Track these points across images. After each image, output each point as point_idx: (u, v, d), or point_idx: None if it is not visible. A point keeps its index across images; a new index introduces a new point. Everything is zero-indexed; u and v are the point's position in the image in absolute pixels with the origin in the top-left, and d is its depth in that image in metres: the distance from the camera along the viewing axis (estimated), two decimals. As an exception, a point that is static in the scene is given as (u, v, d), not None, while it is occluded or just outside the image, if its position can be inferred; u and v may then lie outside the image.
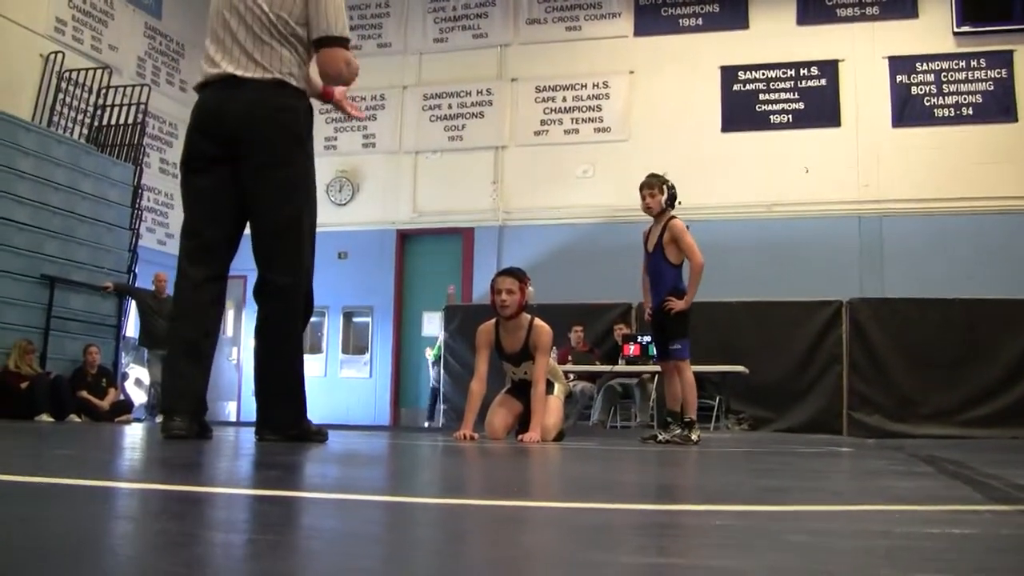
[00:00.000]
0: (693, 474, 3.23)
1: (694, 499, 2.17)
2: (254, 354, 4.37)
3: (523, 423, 6.52)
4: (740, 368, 11.29)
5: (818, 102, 14.03)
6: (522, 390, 6.54)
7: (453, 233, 15.31)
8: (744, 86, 14.34)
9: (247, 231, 4.41)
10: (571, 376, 12.15)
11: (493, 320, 6.49)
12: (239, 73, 4.15)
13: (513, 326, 6.38)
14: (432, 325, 14.97)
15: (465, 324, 13.33)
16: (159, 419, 4.23)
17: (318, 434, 4.35)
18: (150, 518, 1.44)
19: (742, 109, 14.29)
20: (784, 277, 13.39)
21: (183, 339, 4.06)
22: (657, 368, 11.50)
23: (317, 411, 4.34)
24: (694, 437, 6.41)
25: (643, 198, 6.80)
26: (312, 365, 15.67)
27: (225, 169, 4.18)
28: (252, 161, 4.17)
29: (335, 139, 16.02)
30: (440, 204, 15.39)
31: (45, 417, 10.27)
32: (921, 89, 13.76)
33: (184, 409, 3.94)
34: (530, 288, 6.42)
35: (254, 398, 4.42)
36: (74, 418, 10.60)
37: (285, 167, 4.25)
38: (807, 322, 12.29)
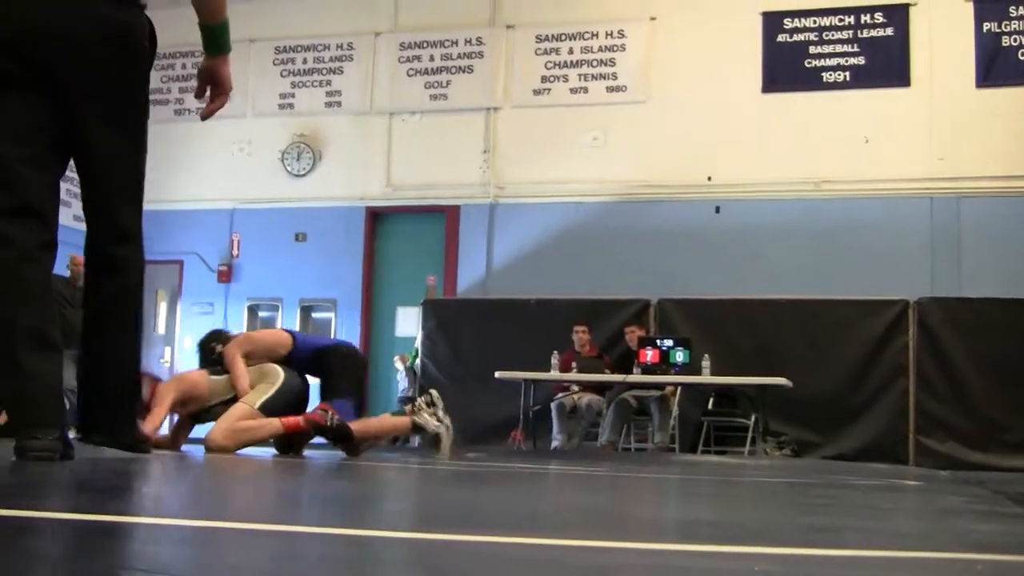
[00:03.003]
0: (723, 509, 3.21)
1: (724, 539, 2.14)
2: (84, 343, 4.11)
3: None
4: (781, 380, 11.26)
5: (883, 56, 13.98)
6: None
7: (434, 212, 15.28)
8: (791, 36, 14.30)
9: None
10: (576, 388, 12.16)
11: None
12: None
13: None
14: (408, 323, 14.94)
15: (449, 322, 13.31)
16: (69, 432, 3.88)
17: (143, 444, 4.23)
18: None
19: (788, 64, 14.25)
20: (837, 270, 13.38)
21: (25, 328, 3.64)
22: (681, 379, 11.57)
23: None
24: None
25: None
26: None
27: (34, 96, 3.80)
28: (89, 95, 3.86)
29: (292, 96, 15.97)
30: (419, 176, 15.35)
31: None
32: (1015, 40, 13.68)
33: (47, 420, 3.57)
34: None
35: (78, 394, 4.18)
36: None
37: (133, 106, 4.01)
38: (865, 325, 12.27)
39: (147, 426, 6.70)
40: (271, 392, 6.75)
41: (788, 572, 1.58)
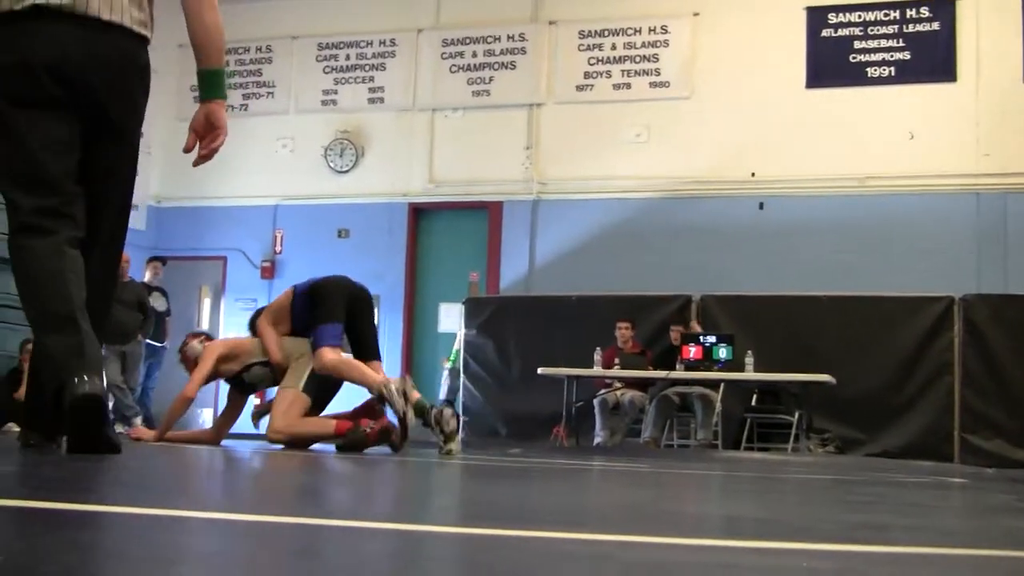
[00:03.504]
0: (768, 505, 3.20)
1: (770, 535, 2.13)
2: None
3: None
4: (825, 377, 11.21)
5: (929, 50, 13.84)
6: None
7: (477, 208, 15.28)
8: (835, 31, 14.19)
9: None
10: (619, 384, 12.15)
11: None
12: (105, 17, 3.95)
13: None
14: (451, 320, 14.94)
15: (491, 319, 13.32)
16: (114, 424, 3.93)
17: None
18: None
19: (832, 60, 14.14)
20: (881, 267, 13.27)
21: (78, 297, 3.79)
22: (725, 375, 11.53)
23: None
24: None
25: None
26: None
27: (69, 117, 3.98)
28: (113, 121, 4.07)
29: (334, 92, 16.01)
30: (462, 173, 15.36)
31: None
32: (1066, 33, 13.54)
33: (95, 367, 3.65)
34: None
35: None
36: (12, 427, 10.54)
37: (137, 140, 4.25)
38: (909, 322, 12.18)
39: (191, 382, 7.19)
40: (309, 370, 7.09)
41: (836, 568, 1.57)
